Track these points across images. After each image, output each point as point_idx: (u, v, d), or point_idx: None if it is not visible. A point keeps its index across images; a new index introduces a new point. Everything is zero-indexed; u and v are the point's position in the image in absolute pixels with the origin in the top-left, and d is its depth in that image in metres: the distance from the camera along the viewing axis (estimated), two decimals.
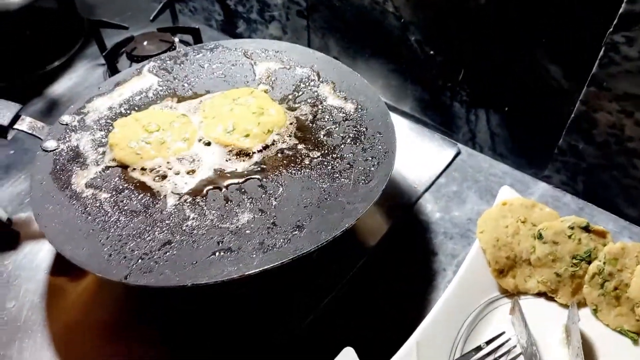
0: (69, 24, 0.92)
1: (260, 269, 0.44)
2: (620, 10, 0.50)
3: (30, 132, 0.58)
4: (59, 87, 0.83)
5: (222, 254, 0.47)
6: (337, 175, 0.54)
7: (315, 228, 0.49)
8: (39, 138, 0.58)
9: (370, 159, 0.56)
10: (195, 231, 0.49)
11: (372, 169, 0.54)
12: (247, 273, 0.44)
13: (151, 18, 0.84)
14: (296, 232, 0.48)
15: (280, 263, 0.45)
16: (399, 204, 0.65)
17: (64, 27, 0.91)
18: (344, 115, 0.61)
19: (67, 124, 0.59)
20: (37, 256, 0.59)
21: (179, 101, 0.64)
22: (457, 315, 0.52)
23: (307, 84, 0.66)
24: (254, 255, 0.46)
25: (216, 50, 0.71)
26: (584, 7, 0.53)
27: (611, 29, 0.52)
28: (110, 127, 0.60)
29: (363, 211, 0.49)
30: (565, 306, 0.54)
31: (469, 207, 0.65)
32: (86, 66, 0.87)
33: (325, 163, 0.56)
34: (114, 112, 0.62)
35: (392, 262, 0.60)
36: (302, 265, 0.58)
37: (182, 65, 0.69)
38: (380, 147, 0.57)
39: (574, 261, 0.54)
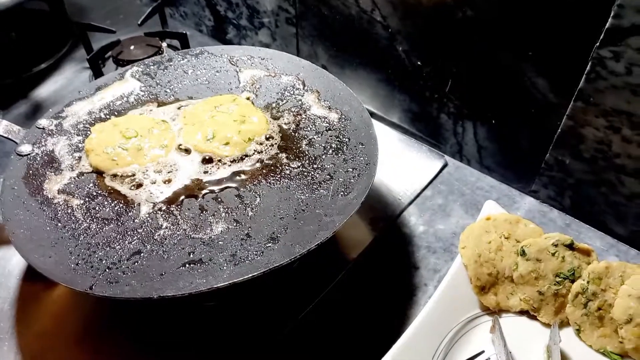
0: (58, 27, 0.91)
1: (230, 282, 0.43)
2: (607, 25, 0.49)
3: (5, 135, 0.57)
4: (45, 90, 0.82)
5: (192, 265, 0.45)
6: (317, 186, 0.53)
7: (289, 240, 0.47)
8: (15, 142, 0.57)
9: (351, 170, 0.54)
10: (166, 241, 0.48)
11: (353, 180, 0.53)
12: (215, 286, 0.43)
13: (139, 22, 0.83)
14: (270, 245, 0.47)
15: (250, 276, 0.43)
16: (383, 216, 0.64)
17: (52, 30, 0.91)
18: (327, 125, 0.60)
19: (43, 128, 0.58)
20: (10, 262, 0.58)
21: (160, 106, 0.63)
22: (436, 332, 0.51)
23: (292, 92, 0.65)
24: (225, 268, 0.45)
25: (201, 56, 0.70)
26: (570, 21, 0.52)
27: (598, 44, 0.51)
28: (88, 132, 0.58)
29: (340, 224, 0.48)
30: (548, 325, 0.52)
31: (454, 221, 0.64)
32: (73, 69, 0.86)
33: (305, 173, 0.55)
34: (93, 116, 0.61)
35: (373, 276, 0.58)
36: (281, 276, 0.57)
37: (165, 70, 0.68)
38: (362, 158, 0.55)
39: (557, 279, 0.53)
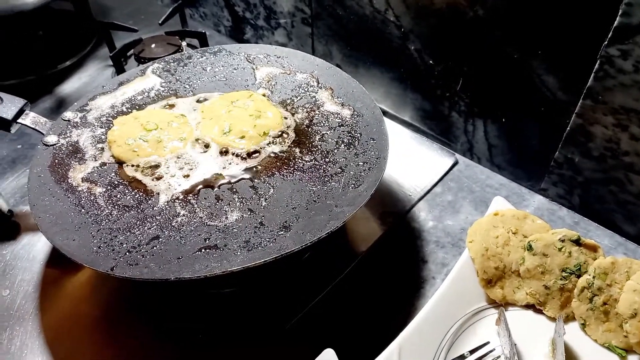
0: (83, 25, 0.94)
1: (243, 267, 0.45)
2: (615, 23, 0.50)
3: (33, 126, 0.59)
4: (69, 86, 0.86)
5: (207, 250, 0.47)
6: (328, 178, 0.55)
7: (301, 229, 0.49)
8: (41, 133, 0.59)
9: (362, 164, 0.56)
10: (183, 227, 0.50)
11: (363, 173, 0.55)
12: (229, 269, 0.45)
13: (160, 22, 0.86)
14: (282, 233, 0.49)
15: (262, 261, 0.45)
16: (393, 211, 0.66)
17: (77, 28, 0.94)
18: (339, 120, 0.62)
19: (69, 120, 0.61)
20: (35, 247, 0.61)
21: (178, 98, 0.65)
22: (442, 322, 0.52)
23: (306, 89, 0.66)
24: (239, 253, 0.47)
25: (219, 54, 0.72)
26: (579, 19, 0.53)
27: (606, 42, 0.52)
28: (111, 125, 0.61)
29: (350, 215, 0.49)
30: (553, 319, 0.53)
31: (463, 217, 0.65)
32: (97, 67, 0.89)
33: (318, 166, 0.56)
34: (115, 110, 0.64)
35: (382, 268, 0.60)
36: (293, 266, 0.59)
37: (185, 67, 0.70)
38: (372, 152, 0.57)
39: (564, 274, 0.54)
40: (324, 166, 0.56)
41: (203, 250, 0.47)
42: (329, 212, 0.51)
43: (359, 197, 0.52)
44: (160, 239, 0.49)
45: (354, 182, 0.54)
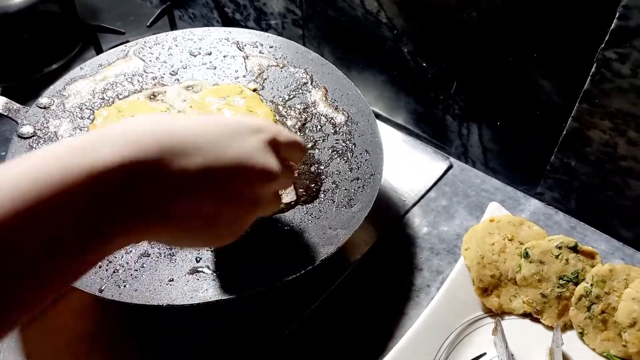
0: (69, 28, 0.92)
1: (236, 295, 0.44)
2: (612, 26, 0.49)
3: (4, 113, 0.55)
4: None
5: (199, 273, 0.46)
6: (322, 194, 0.53)
7: (294, 254, 0.48)
8: (15, 121, 0.55)
9: (355, 180, 0.54)
10: None
11: (357, 191, 0.53)
12: (222, 298, 0.43)
13: (148, 24, 0.84)
14: (275, 256, 0.47)
15: (255, 291, 0.44)
16: (386, 216, 0.64)
17: (63, 31, 0.92)
18: (333, 126, 0.60)
19: (45, 108, 0.57)
20: None
21: (164, 92, 0.62)
22: (437, 333, 0.51)
23: (299, 87, 0.64)
24: (231, 278, 0.46)
25: (208, 38, 0.69)
26: (575, 22, 0.52)
27: (603, 45, 0.51)
28: (92, 115, 0.57)
29: (344, 240, 0.48)
30: (551, 328, 0.52)
31: (458, 223, 0.64)
32: None
33: (311, 179, 0.54)
34: (96, 97, 0.60)
35: (375, 276, 0.59)
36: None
37: (170, 50, 0.66)
38: (366, 167, 0.55)
39: (561, 282, 0.53)
40: (317, 179, 0.55)
41: (195, 273, 0.46)
42: (322, 234, 0.49)
43: (352, 219, 0.50)
44: (151, 256, 0.47)
45: (347, 200, 0.53)
